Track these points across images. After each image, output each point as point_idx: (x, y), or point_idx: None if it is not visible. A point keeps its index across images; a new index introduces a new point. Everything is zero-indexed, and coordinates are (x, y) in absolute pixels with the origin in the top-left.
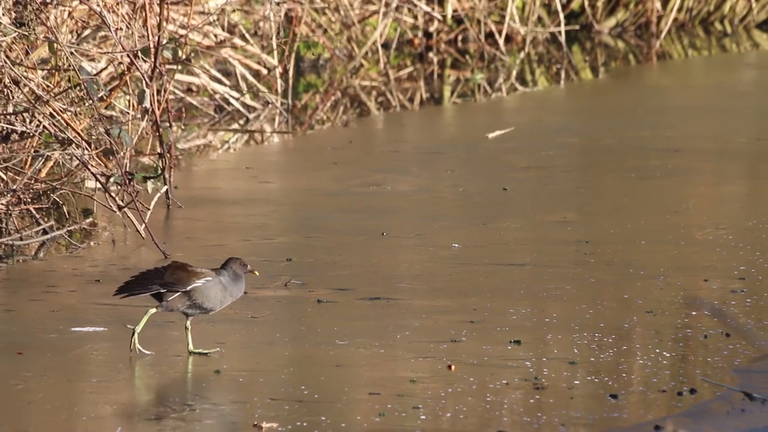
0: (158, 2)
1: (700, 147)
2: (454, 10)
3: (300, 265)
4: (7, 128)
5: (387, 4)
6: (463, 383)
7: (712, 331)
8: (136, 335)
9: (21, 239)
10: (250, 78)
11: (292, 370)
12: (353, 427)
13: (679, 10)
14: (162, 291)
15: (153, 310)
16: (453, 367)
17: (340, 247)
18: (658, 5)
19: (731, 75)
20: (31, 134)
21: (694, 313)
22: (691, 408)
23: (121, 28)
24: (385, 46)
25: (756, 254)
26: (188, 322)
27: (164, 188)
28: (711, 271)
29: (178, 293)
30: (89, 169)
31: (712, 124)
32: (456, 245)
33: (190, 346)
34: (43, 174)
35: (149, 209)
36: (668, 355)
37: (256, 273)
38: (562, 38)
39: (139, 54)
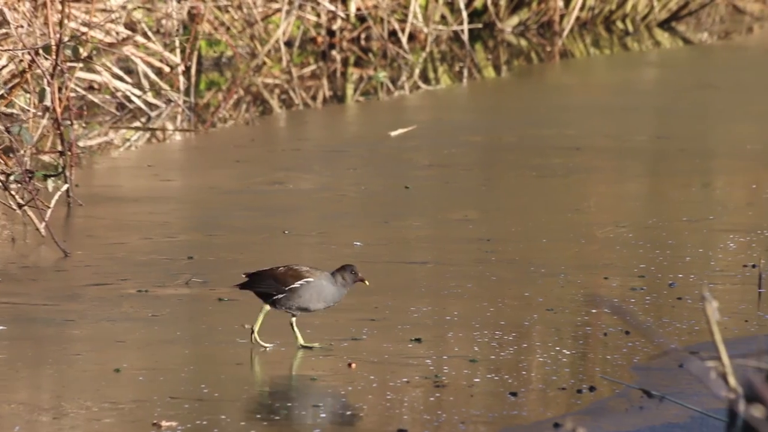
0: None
1: (601, 145)
2: (358, 9)
3: (201, 263)
4: None
5: (290, 3)
6: (364, 381)
7: (612, 328)
8: (255, 333)
9: None
10: (153, 76)
11: (192, 369)
12: (253, 426)
13: (582, 8)
14: (269, 291)
15: (267, 308)
16: (354, 365)
17: (242, 245)
18: (560, 4)
19: (633, 73)
20: None
21: (594, 310)
22: (590, 405)
23: (22, 25)
24: (288, 44)
25: (656, 252)
26: (293, 320)
27: (65, 186)
28: (611, 269)
29: (283, 293)
30: None
31: (614, 123)
32: (358, 243)
33: (300, 341)
34: None
35: (50, 207)
36: (568, 352)
37: (366, 283)
38: (465, 37)
39: (41, 51)
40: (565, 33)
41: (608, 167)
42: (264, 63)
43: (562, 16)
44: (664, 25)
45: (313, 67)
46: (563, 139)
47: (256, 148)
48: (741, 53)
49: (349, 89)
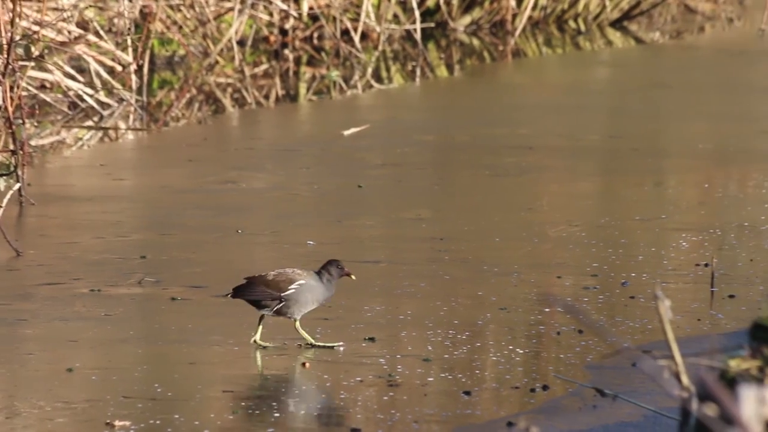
0: None
1: (554, 144)
2: (310, 8)
3: (154, 262)
4: None
5: (242, 2)
6: (318, 380)
7: (565, 327)
8: (257, 343)
9: None
10: (105, 75)
11: (145, 368)
12: (207, 425)
13: (534, 8)
14: (267, 300)
15: (265, 314)
16: (307, 365)
17: (195, 244)
18: (512, 3)
19: (585, 73)
20: None
21: (547, 309)
22: (543, 404)
23: None
24: (241, 43)
25: (608, 251)
26: (297, 324)
27: (17, 185)
28: (564, 268)
29: (280, 300)
30: None
31: (566, 122)
32: (311, 242)
33: (310, 340)
34: None
35: (1, 207)
36: (521, 351)
37: (353, 277)
38: (418, 36)
39: None
40: (518, 32)
41: (561, 166)
42: (216, 62)
43: (514, 16)
44: (616, 24)
45: (265, 66)
46: (516, 138)
47: (209, 147)
48: (693, 53)
49: (302, 88)
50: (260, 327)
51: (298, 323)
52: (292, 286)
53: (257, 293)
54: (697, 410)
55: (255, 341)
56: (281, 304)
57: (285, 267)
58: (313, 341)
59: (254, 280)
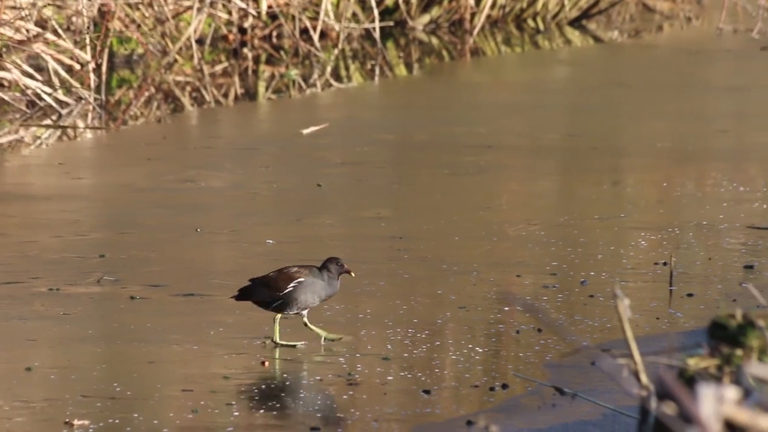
0: None
1: (513, 143)
2: (269, 6)
3: (113, 261)
4: None
5: (201, 0)
6: (277, 379)
7: (524, 326)
8: (276, 343)
9: None
10: (63, 73)
11: (104, 367)
12: (166, 424)
13: (493, 6)
14: (264, 299)
15: (279, 316)
16: (266, 364)
17: (154, 243)
18: (471, 2)
19: (544, 72)
20: None
21: (506, 308)
22: (503, 403)
23: None
24: (200, 41)
25: (567, 250)
26: (278, 317)
27: None
28: (523, 266)
29: (280, 299)
30: None
31: (525, 121)
32: (270, 241)
33: (323, 334)
34: None
35: None
36: (481, 350)
37: (352, 274)
38: (377, 34)
39: None
40: (476, 31)
41: (520, 165)
42: (175, 60)
43: (473, 14)
44: (575, 23)
45: (224, 64)
46: (475, 137)
47: (168, 146)
48: (651, 51)
49: (261, 87)
50: (277, 327)
51: (305, 319)
52: (291, 285)
53: (259, 294)
54: (656, 409)
55: (274, 342)
56: (280, 302)
57: (288, 265)
58: (326, 335)
59: (256, 281)
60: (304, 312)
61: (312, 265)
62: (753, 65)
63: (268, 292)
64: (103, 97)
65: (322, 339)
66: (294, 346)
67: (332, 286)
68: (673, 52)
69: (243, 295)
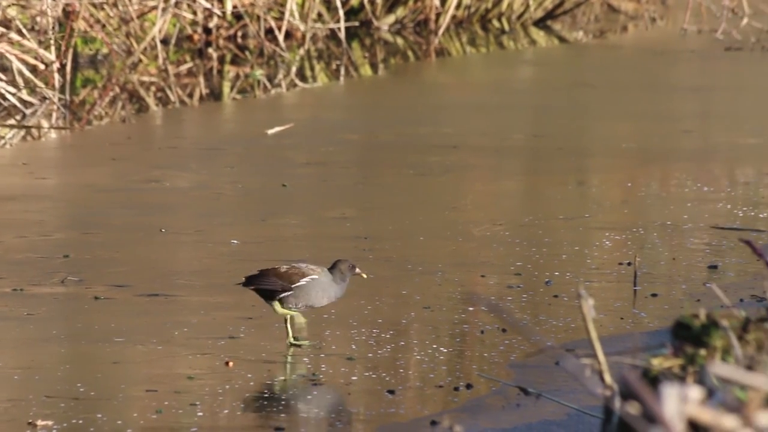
0: None
1: (478, 144)
2: (234, 6)
3: (77, 261)
4: None
5: (166, 0)
6: (241, 380)
7: (489, 326)
8: (292, 344)
9: None
10: (27, 73)
11: (68, 368)
12: (130, 425)
13: (458, 7)
14: (278, 290)
15: (290, 316)
16: (231, 364)
17: (118, 243)
18: (436, 2)
19: (509, 72)
20: None
21: (471, 308)
22: (467, 403)
23: None
24: (165, 41)
25: (532, 250)
26: (278, 313)
27: None
28: (488, 267)
29: (290, 291)
30: None
31: (490, 121)
32: (235, 241)
33: (291, 339)
34: None
35: None
36: (445, 350)
37: (364, 276)
38: (342, 35)
39: None
40: (441, 31)
41: (485, 165)
42: (140, 60)
43: (438, 15)
44: (540, 23)
45: (189, 64)
46: (440, 137)
47: (133, 146)
48: (616, 52)
49: (226, 87)
50: (289, 327)
51: (288, 315)
52: (304, 280)
53: (269, 283)
54: (620, 409)
55: (290, 342)
56: (289, 294)
57: (300, 261)
58: (292, 340)
59: (267, 271)
60: (304, 309)
61: (324, 266)
62: (717, 65)
63: (279, 283)
64: (68, 97)
65: (288, 339)
66: (300, 346)
67: (341, 289)
68: (637, 52)
69: (250, 282)
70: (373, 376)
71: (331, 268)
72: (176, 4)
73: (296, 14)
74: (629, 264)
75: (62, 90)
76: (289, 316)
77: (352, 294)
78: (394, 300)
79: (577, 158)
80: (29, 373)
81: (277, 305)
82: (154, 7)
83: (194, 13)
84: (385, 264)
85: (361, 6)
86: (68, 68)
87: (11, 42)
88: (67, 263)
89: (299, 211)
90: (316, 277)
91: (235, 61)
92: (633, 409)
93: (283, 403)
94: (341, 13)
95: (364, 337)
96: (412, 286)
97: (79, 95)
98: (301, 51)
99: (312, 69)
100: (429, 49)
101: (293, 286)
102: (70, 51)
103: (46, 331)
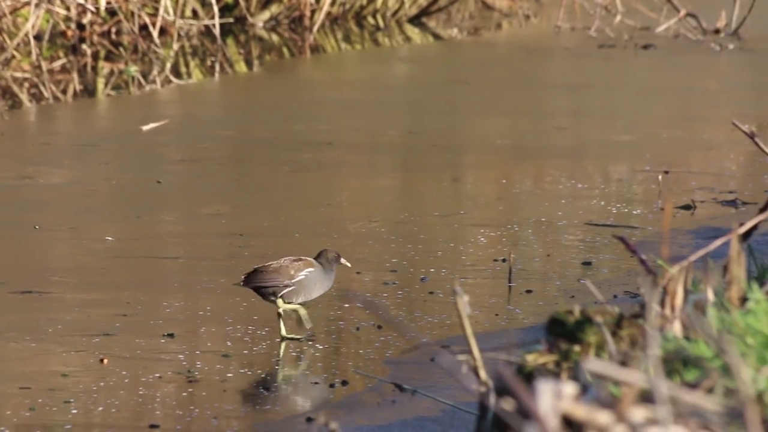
0: None
1: (353, 140)
2: (108, 2)
3: None
4: None
5: None
6: (116, 377)
7: (365, 323)
8: (284, 338)
9: None
10: None
11: None
12: (2, 422)
13: (333, 3)
14: (280, 286)
15: (283, 309)
16: (105, 361)
17: None
18: None
19: (384, 69)
20: None
21: (346, 305)
22: (343, 399)
23: None
24: (38, 37)
25: (407, 247)
26: (281, 310)
27: None
28: (363, 263)
29: (291, 286)
30: None
31: (365, 118)
32: (109, 238)
33: (283, 332)
34: None
35: None
36: (321, 347)
37: (348, 264)
38: (217, 31)
39: None
40: (316, 28)
41: (360, 162)
42: (13, 56)
43: (313, 11)
44: (415, 20)
45: (63, 60)
46: (315, 134)
47: (5, 142)
48: (490, 49)
49: (100, 83)
50: (282, 322)
51: (282, 310)
52: (303, 272)
53: (271, 279)
54: (495, 405)
55: (283, 336)
56: (290, 289)
57: (287, 256)
58: (285, 334)
59: (263, 268)
60: (299, 301)
61: (310, 258)
62: (590, 63)
63: (280, 279)
64: None
65: (281, 332)
66: (299, 339)
67: (331, 279)
68: (511, 49)
69: (250, 281)
70: (249, 373)
71: (318, 258)
72: (49, 0)
73: (170, 10)
74: (504, 260)
75: None
76: (290, 310)
77: (227, 291)
78: None
79: (452, 155)
80: None
81: (280, 302)
82: (27, 3)
83: (67, 8)
84: (260, 261)
85: (236, 2)
86: None
87: None
88: None
89: (174, 207)
90: (313, 269)
91: (109, 57)
92: (508, 405)
93: (158, 400)
94: (216, 9)
95: (239, 334)
96: None
97: None
98: (176, 47)
99: (187, 65)
100: (304, 46)
101: (293, 281)
102: None
103: None
